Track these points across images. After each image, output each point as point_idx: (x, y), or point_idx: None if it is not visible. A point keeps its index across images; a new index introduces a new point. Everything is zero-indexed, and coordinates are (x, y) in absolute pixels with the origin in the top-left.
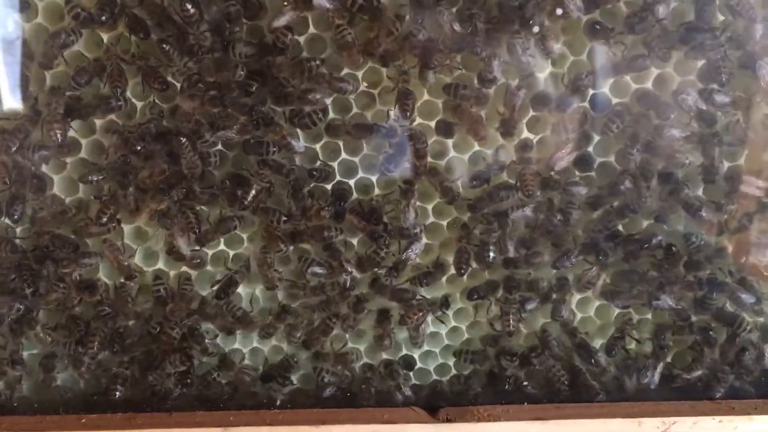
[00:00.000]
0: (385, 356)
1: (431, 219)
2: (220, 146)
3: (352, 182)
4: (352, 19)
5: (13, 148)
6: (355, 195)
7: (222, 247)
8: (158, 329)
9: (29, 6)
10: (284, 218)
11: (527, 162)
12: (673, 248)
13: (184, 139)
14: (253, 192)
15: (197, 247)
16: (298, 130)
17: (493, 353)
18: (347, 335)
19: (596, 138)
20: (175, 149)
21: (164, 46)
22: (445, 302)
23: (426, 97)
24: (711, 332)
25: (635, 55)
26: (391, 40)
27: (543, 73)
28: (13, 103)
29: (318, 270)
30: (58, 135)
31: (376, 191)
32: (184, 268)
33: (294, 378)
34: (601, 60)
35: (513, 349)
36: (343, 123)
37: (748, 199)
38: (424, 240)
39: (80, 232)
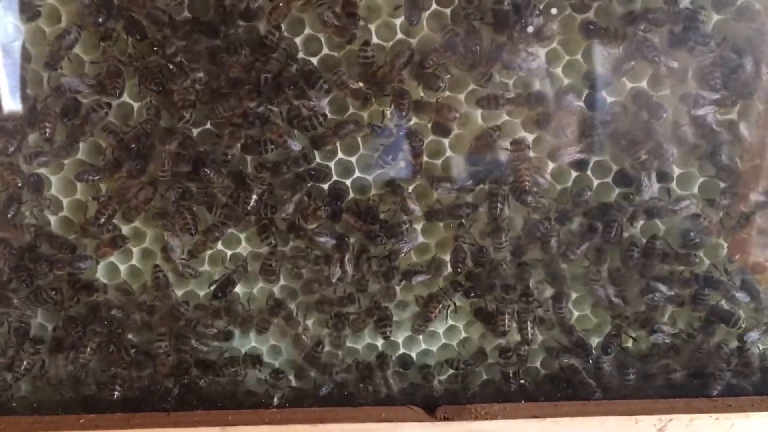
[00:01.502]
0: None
1: None
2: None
3: (348, 182)
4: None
5: (11, 149)
6: (351, 195)
7: (220, 246)
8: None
9: (35, 14)
10: (273, 209)
11: (524, 157)
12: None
13: (208, 170)
14: (255, 196)
15: (187, 259)
16: (296, 132)
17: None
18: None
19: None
20: (203, 180)
21: (171, 66)
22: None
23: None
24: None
25: (619, 59)
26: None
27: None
28: (11, 104)
29: (323, 240)
30: (47, 131)
31: (373, 191)
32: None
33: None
34: (596, 62)
35: (507, 346)
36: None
37: (745, 196)
38: (420, 237)
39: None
